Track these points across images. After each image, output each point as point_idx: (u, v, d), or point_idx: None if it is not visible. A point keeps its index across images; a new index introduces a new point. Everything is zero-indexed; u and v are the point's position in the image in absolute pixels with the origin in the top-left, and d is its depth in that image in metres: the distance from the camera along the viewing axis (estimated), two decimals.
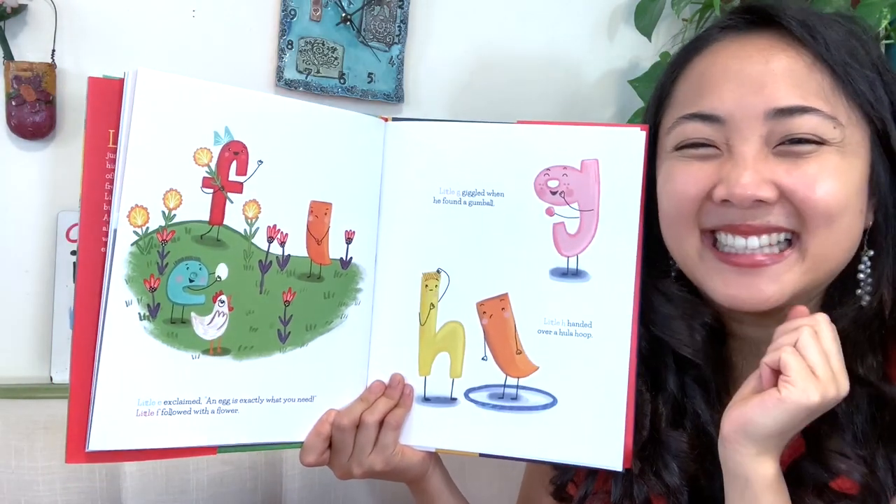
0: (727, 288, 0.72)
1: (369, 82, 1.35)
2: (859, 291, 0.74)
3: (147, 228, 0.71)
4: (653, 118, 0.80)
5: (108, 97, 0.70)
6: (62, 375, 1.20)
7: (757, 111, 0.70)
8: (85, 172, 0.70)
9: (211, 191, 0.73)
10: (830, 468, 0.69)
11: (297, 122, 0.78)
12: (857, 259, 0.74)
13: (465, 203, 0.80)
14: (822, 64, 0.70)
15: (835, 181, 0.69)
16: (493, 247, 0.79)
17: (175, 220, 0.72)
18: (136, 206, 0.70)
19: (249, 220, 0.75)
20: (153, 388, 0.72)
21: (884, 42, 1.24)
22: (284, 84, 1.31)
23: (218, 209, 0.74)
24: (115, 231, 0.69)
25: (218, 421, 0.75)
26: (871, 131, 0.72)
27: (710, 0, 1.31)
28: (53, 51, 1.19)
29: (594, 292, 0.77)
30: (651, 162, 0.78)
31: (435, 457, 0.84)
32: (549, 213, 0.78)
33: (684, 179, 0.73)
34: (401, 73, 1.37)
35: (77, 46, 1.22)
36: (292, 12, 1.30)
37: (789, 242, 0.71)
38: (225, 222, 0.74)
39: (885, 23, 1.19)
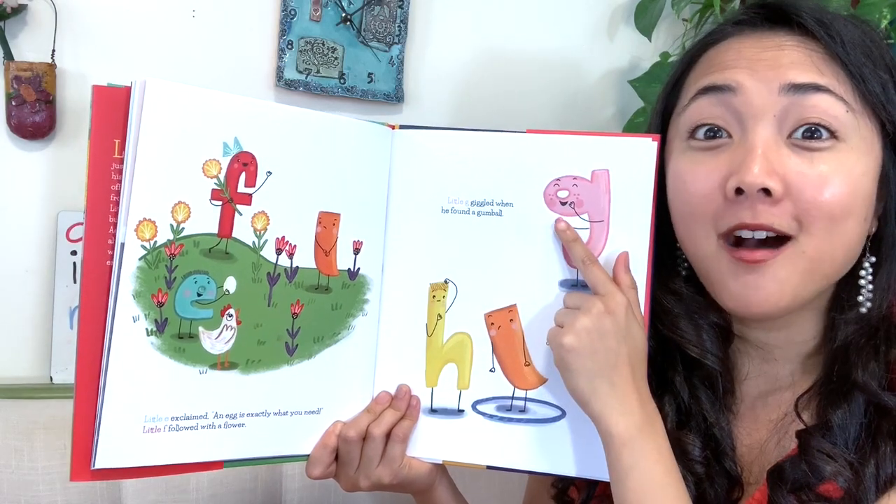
0: (737, 291, 0.71)
1: (369, 82, 1.35)
2: (860, 298, 0.74)
3: (155, 242, 0.70)
4: (661, 111, 0.80)
5: (113, 106, 0.69)
6: (62, 375, 1.20)
7: (771, 85, 0.70)
8: (89, 183, 0.68)
9: (220, 203, 0.73)
10: (817, 469, 0.69)
11: (305, 131, 0.77)
12: (860, 266, 0.74)
13: (473, 213, 0.79)
14: (836, 60, 0.70)
15: (846, 184, 0.68)
16: (501, 257, 0.79)
17: (183, 234, 0.71)
18: (145, 219, 0.69)
19: (258, 233, 0.75)
20: (160, 405, 0.71)
21: (884, 42, 1.24)
22: (284, 84, 1.31)
23: (227, 222, 0.73)
24: (123, 245, 0.68)
25: (225, 436, 0.74)
26: (883, 134, 0.72)
27: (710, 0, 1.31)
28: (53, 51, 1.19)
29: None
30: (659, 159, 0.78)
31: (441, 468, 0.84)
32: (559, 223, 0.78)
33: (694, 177, 0.73)
34: (401, 73, 1.37)
35: (77, 46, 1.22)
36: (292, 12, 1.30)
37: (787, 240, 0.70)
38: (233, 235, 0.73)
39: (885, 23, 1.19)
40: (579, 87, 1.49)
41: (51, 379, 1.21)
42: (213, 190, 0.72)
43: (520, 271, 0.78)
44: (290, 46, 1.30)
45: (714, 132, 0.72)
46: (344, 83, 1.34)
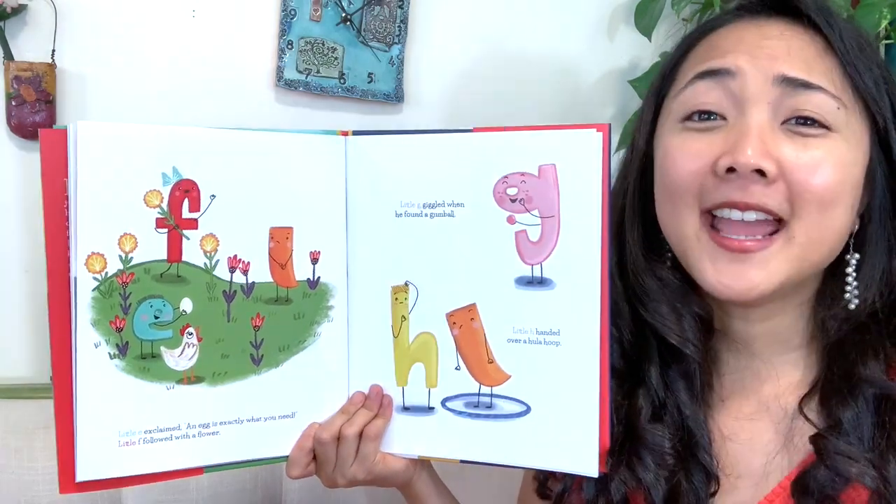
0: (718, 275, 0.71)
1: (369, 82, 1.35)
2: (847, 295, 0.74)
3: (106, 273, 0.72)
4: (656, 92, 0.79)
5: (56, 148, 0.71)
6: None
7: (767, 74, 0.70)
8: (46, 221, 0.71)
9: (165, 230, 0.75)
10: (841, 472, 0.69)
11: (246, 152, 0.78)
12: (845, 262, 0.74)
13: (426, 215, 0.80)
14: (832, 52, 0.71)
15: (836, 170, 0.69)
16: (457, 257, 0.79)
17: (133, 263, 0.73)
18: (93, 253, 0.72)
19: (208, 254, 0.76)
20: (132, 420, 0.74)
21: (884, 42, 1.24)
22: (284, 84, 1.31)
23: (175, 247, 0.75)
24: (76, 279, 0.71)
25: (200, 444, 0.77)
26: (873, 128, 0.72)
27: (710, 0, 1.31)
28: (53, 51, 1.20)
29: (560, 300, 0.76)
30: (650, 138, 0.78)
31: (419, 462, 0.85)
32: (511, 221, 0.77)
33: (684, 154, 0.72)
34: (401, 73, 1.37)
35: (77, 46, 1.22)
36: (292, 12, 1.30)
37: (776, 230, 0.70)
38: (183, 259, 0.75)
39: (885, 23, 1.19)
40: (579, 87, 1.49)
41: (51, 379, 1.21)
42: (157, 219, 0.74)
43: (476, 270, 0.79)
44: (290, 46, 1.30)
45: (709, 115, 0.72)
46: (344, 83, 1.34)
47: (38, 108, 1.18)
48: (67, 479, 0.73)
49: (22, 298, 1.23)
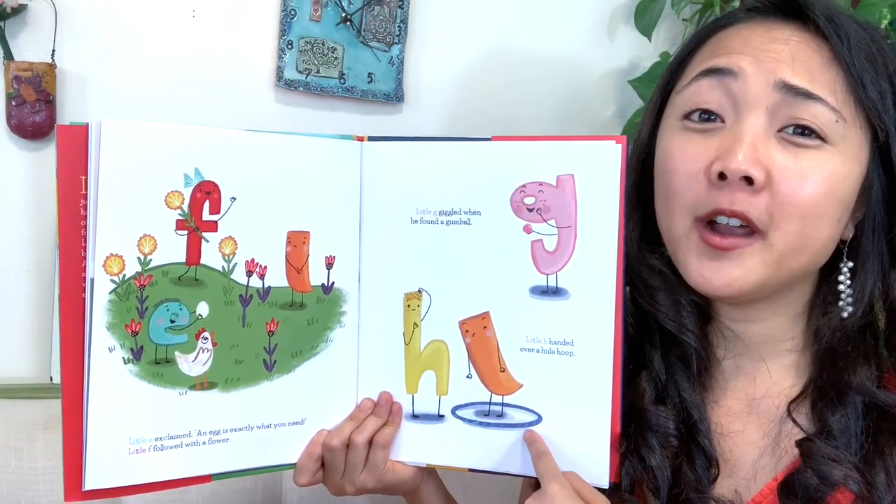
0: (700, 269, 0.72)
1: (369, 82, 1.35)
2: (840, 303, 0.74)
3: (124, 276, 0.71)
4: (663, 87, 0.80)
5: (76, 144, 0.70)
6: None
7: (769, 78, 0.70)
8: (60, 220, 0.70)
9: (185, 232, 0.74)
10: (825, 476, 0.69)
11: (267, 155, 0.77)
12: (839, 270, 0.74)
13: (442, 223, 0.80)
14: (839, 63, 0.70)
15: (824, 183, 0.69)
16: (472, 266, 0.79)
17: (151, 265, 0.72)
18: (111, 254, 0.71)
19: (227, 257, 0.76)
20: (143, 427, 0.73)
21: None
22: (284, 84, 1.31)
23: (194, 250, 0.74)
24: (93, 281, 0.70)
25: (210, 451, 0.76)
26: (873, 140, 0.72)
27: (710, 0, 1.31)
28: (53, 51, 1.20)
29: (575, 310, 0.76)
30: (653, 134, 0.78)
31: (426, 470, 0.85)
32: (527, 230, 0.77)
33: (683, 157, 0.73)
34: (401, 73, 1.37)
35: (77, 46, 1.22)
36: (292, 12, 1.30)
37: (754, 233, 0.71)
38: (202, 261, 0.75)
39: (885, 23, 1.19)
40: (579, 87, 1.49)
41: (51, 379, 1.21)
42: (177, 220, 0.73)
43: (491, 279, 0.79)
44: (290, 46, 1.30)
45: (708, 116, 0.73)
46: (344, 83, 1.34)
47: (38, 108, 1.18)
48: (74, 487, 0.72)
49: (22, 298, 1.23)
